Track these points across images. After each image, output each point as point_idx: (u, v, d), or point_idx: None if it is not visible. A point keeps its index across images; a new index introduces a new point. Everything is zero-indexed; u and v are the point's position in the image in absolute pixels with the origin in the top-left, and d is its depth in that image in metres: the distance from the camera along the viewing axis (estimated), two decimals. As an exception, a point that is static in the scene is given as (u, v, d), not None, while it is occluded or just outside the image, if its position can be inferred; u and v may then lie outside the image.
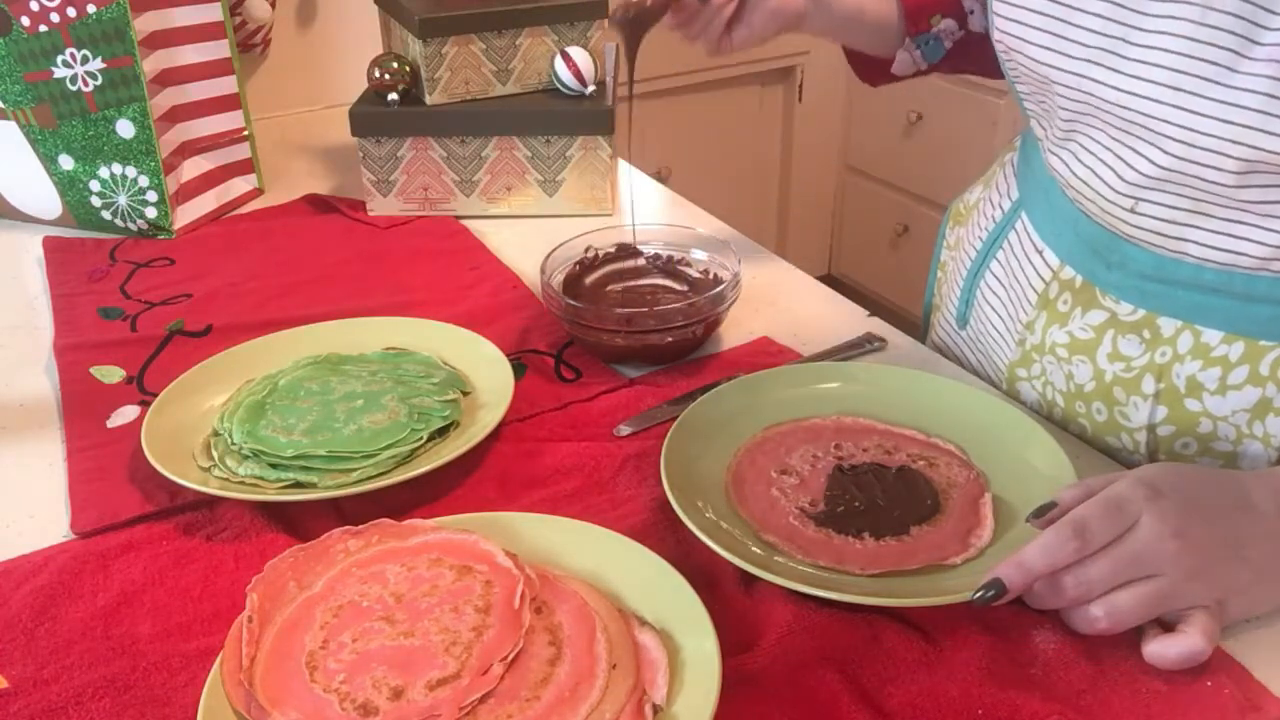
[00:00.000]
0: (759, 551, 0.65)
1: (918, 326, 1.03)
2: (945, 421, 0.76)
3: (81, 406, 0.83)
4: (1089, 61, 0.66)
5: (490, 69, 1.11)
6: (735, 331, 0.92)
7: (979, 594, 0.57)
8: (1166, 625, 0.58)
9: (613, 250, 0.96)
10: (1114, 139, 0.67)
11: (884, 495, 0.69)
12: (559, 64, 1.10)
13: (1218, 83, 0.59)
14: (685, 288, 0.94)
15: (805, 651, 0.58)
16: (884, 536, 0.66)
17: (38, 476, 0.76)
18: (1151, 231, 0.68)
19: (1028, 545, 0.57)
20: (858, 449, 0.74)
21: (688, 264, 0.96)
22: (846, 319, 0.95)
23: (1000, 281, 0.85)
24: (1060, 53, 0.67)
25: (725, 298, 0.87)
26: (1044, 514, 0.60)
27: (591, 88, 1.11)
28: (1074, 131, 0.70)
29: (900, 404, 0.78)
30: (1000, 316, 0.85)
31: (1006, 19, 0.71)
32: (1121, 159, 0.67)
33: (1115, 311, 0.73)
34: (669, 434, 0.72)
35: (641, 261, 0.97)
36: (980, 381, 0.86)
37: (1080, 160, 0.71)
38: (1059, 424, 0.80)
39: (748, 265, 0.92)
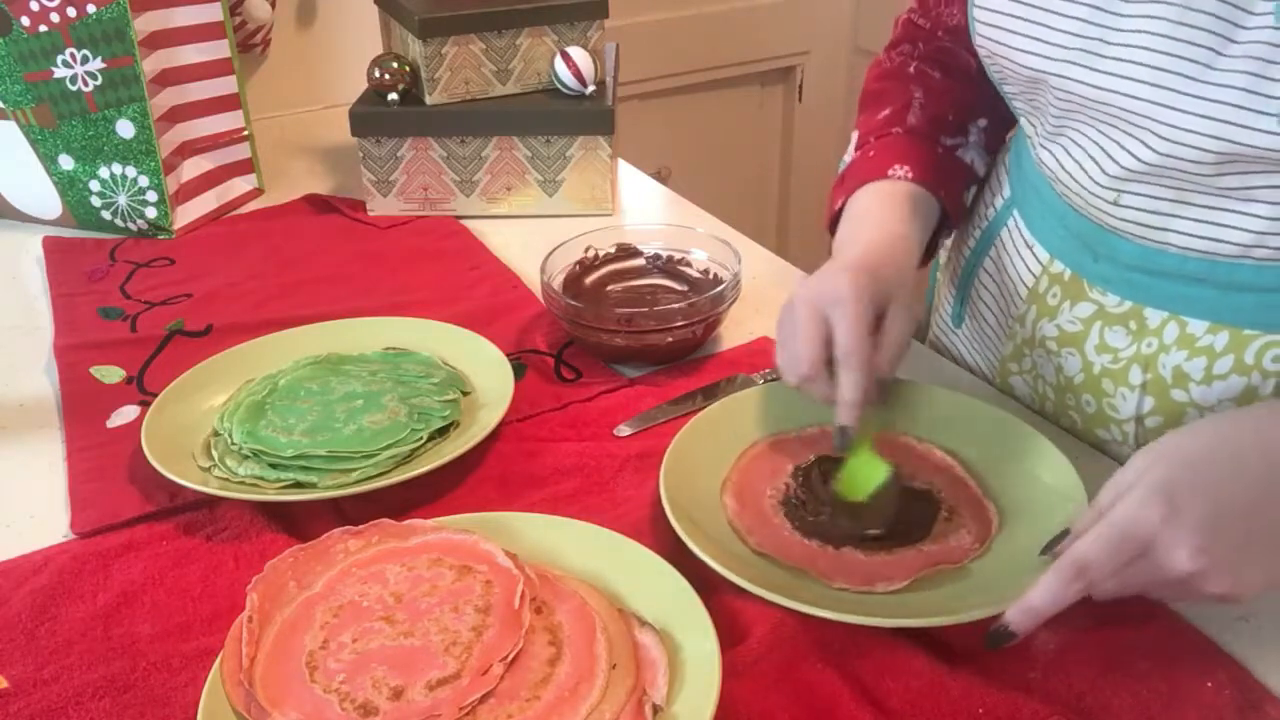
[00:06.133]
0: (753, 560, 0.64)
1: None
2: (946, 429, 0.75)
3: (81, 406, 0.83)
4: (1069, 62, 0.66)
5: (490, 69, 1.11)
6: (735, 331, 0.92)
7: (991, 640, 0.56)
8: None
9: (613, 250, 0.96)
10: (1101, 133, 0.67)
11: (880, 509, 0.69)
12: (559, 64, 1.10)
13: (1196, 79, 0.60)
14: (685, 288, 0.94)
15: (805, 651, 0.58)
16: (876, 551, 0.66)
17: (38, 476, 0.76)
18: (1134, 223, 0.68)
19: (1034, 588, 0.55)
20: None
21: (688, 264, 0.96)
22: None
23: (993, 278, 0.85)
24: (1041, 55, 0.68)
25: (725, 298, 0.87)
26: (1056, 545, 0.60)
27: (591, 88, 1.11)
28: (1064, 126, 0.71)
29: (903, 413, 0.77)
30: (993, 312, 0.85)
31: (986, 24, 0.71)
32: (1106, 153, 0.67)
33: (1103, 303, 0.73)
34: (669, 449, 0.71)
35: (641, 261, 0.97)
36: (988, 388, 0.85)
37: (1070, 154, 0.71)
38: (1050, 418, 0.80)
39: (748, 265, 0.92)
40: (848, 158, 0.87)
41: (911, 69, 0.87)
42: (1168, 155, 0.63)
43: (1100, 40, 0.64)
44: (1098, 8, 0.64)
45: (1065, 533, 0.60)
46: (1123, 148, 0.66)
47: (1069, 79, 0.66)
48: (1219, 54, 0.59)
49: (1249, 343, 0.67)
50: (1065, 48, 0.66)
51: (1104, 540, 0.54)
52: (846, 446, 0.68)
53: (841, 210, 0.83)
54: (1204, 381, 0.69)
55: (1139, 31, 0.62)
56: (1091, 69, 0.65)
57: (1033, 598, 0.55)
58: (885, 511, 0.67)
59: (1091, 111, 0.67)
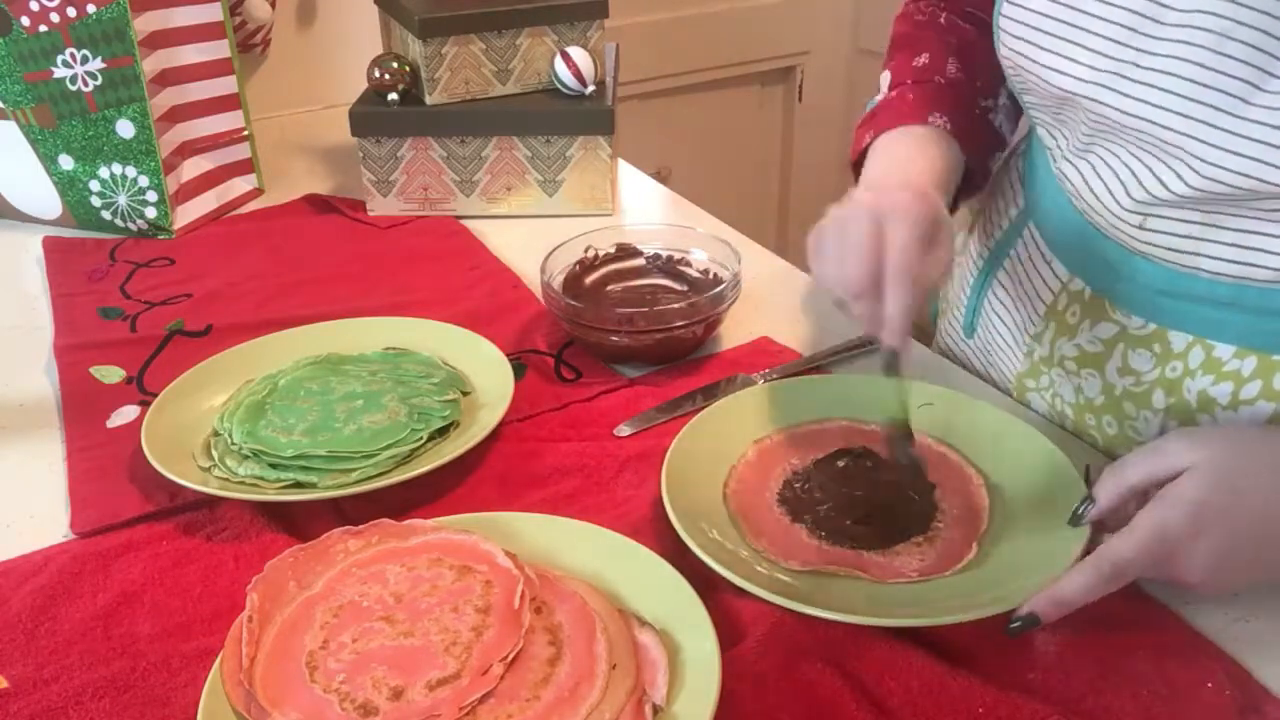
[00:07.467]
0: (753, 560, 0.64)
1: (917, 326, 1.02)
2: (955, 431, 0.75)
3: (81, 406, 0.83)
4: (1099, 84, 0.64)
5: (490, 69, 1.11)
6: (735, 331, 0.92)
7: (1014, 625, 0.57)
8: None
9: (613, 250, 0.96)
10: (1133, 155, 0.65)
11: (880, 507, 0.69)
12: (559, 64, 1.10)
13: (1231, 113, 0.57)
14: (685, 288, 0.94)
15: (805, 650, 0.58)
16: (874, 549, 0.66)
17: (38, 476, 0.76)
18: (1162, 247, 0.66)
19: (1066, 578, 0.57)
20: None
21: (688, 264, 0.96)
22: (846, 319, 0.94)
23: (1008, 291, 0.83)
24: (1071, 75, 0.65)
25: (725, 298, 0.87)
26: (1083, 514, 0.62)
27: (591, 88, 1.11)
28: (1094, 144, 0.68)
29: (915, 413, 0.77)
30: (1008, 326, 0.83)
31: (1014, 36, 0.69)
32: (1135, 176, 0.65)
33: (1125, 325, 0.71)
34: (669, 449, 0.71)
35: (641, 261, 0.97)
36: (1000, 396, 0.84)
37: (1097, 173, 0.68)
38: (1070, 435, 0.78)
39: (748, 265, 0.92)
40: (879, 97, 0.84)
41: (942, 19, 0.85)
42: (1199, 189, 0.60)
43: (1133, 64, 0.61)
44: (1133, 29, 0.61)
45: (1088, 499, 0.61)
46: (1154, 174, 0.63)
47: (1099, 101, 0.64)
48: (1257, 88, 0.56)
49: (1277, 368, 0.65)
50: (1096, 69, 0.63)
51: (1139, 543, 0.57)
52: (894, 370, 0.66)
53: (868, 149, 0.81)
54: (1230, 407, 0.67)
55: (1174, 58, 0.59)
56: (1122, 93, 0.62)
57: (1067, 589, 0.57)
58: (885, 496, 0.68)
59: (1122, 134, 0.64)
